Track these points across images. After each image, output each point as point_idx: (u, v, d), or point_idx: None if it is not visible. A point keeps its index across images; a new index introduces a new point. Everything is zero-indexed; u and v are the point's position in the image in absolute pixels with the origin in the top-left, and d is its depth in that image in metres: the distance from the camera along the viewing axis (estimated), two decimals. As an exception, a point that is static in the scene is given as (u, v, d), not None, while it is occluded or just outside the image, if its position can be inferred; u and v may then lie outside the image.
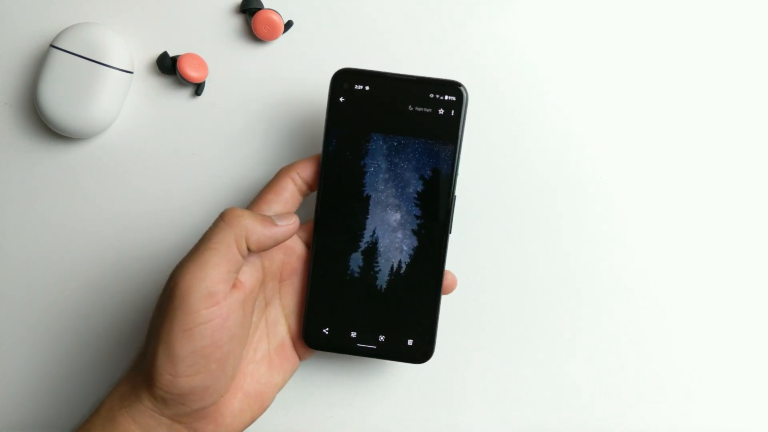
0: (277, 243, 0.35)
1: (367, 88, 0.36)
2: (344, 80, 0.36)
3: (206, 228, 0.39)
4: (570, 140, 0.42)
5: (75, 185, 0.42)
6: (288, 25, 0.42)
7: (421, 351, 0.37)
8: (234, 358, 0.34)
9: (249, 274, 0.34)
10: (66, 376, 0.42)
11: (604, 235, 0.42)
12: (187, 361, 0.31)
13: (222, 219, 0.33)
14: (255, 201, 0.36)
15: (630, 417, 0.42)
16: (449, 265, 0.40)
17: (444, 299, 0.40)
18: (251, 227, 0.33)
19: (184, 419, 0.33)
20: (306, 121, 0.42)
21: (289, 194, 0.36)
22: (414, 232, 0.37)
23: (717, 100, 0.43)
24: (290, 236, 0.35)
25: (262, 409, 0.36)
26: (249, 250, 0.33)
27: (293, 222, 0.35)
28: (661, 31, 0.43)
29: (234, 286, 0.33)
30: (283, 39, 0.42)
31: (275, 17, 0.41)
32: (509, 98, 0.42)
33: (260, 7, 0.41)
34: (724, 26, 0.43)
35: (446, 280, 0.37)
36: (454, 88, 0.36)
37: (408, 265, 0.37)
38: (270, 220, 0.34)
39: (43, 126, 0.42)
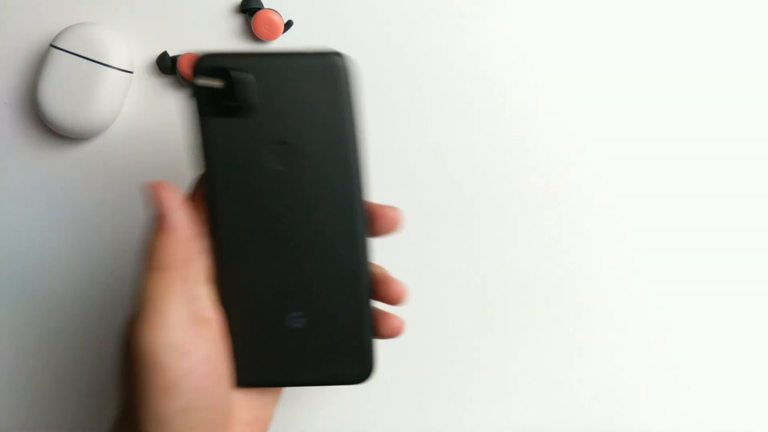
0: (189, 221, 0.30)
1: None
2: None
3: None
4: (570, 140, 0.42)
5: (75, 185, 0.42)
6: (288, 25, 0.42)
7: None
8: (226, 397, 0.31)
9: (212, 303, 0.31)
10: (66, 376, 0.42)
11: (603, 235, 0.42)
12: (177, 419, 0.28)
13: (148, 270, 0.29)
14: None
15: (630, 416, 0.42)
16: (450, 262, 0.40)
17: (444, 298, 0.40)
18: (182, 239, 0.29)
19: None
20: (306, 121, 0.42)
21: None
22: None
23: (716, 100, 0.43)
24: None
25: (265, 429, 0.34)
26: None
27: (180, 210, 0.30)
28: (661, 30, 0.43)
29: (200, 323, 0.30)
30: (283, 39, 0.42)
31: (275, 17, 0.41)
32: (509, 98, 0.42)
33: (260, 7, 0.41)
34: (724, 26, 0.43)
35: (391, 323, 0.33)
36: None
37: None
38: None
39: (43, 126, 0.42)
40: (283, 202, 0.30)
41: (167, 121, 0.42)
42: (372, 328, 0.32)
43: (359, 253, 0.31)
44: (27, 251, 0.42)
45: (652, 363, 0.42)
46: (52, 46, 0.40)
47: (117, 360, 0.31)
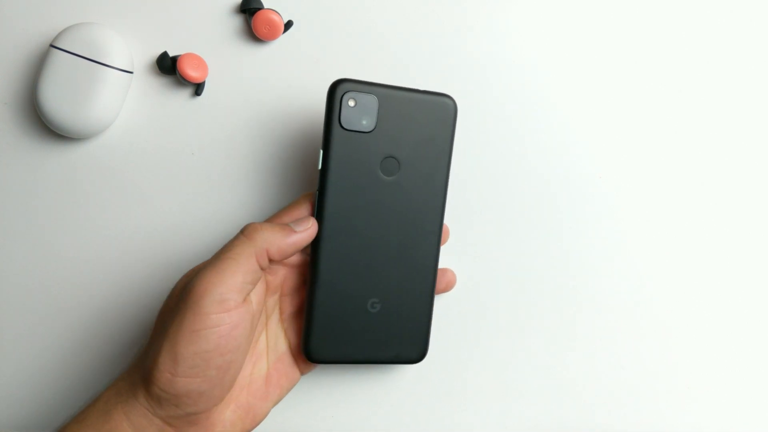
0: (298, 249, 0.36)
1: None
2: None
3: (206, 228, 0.38)
4: (569, 140, 0.43)
5: (75, 185, 0.42)
6: (288, 25, 0.42)
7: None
8: (234, 368, 0.34)
9: (255, 291, 0.35)
10: (65, 375, 0.42)
11: (603, 234, 0.42)
12: (188, 362, 0.32)
13: (242, 233, 0.34)
14: (271, 221, 0.37)
15: (629, 416, 0.42)
16: (450, 264, 0.40)
17: (443, 299, 0.40)
18: (271, 239, 0.34)
19: (175, 422, 0.33)
20: (306, 121, 0.42)
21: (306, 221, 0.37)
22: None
23: (715, 99, 0.43)
24: (310, 240, 0.36)
25: (255, 424, 0.36)
26: (271, 260, 0.34)
27: (311, 226, 0.36)
28: (659, 29, 0.43)
29: (245, 300, 0.34)
30: (283, 39, 0.42)
31: (275, 17, 0.41)
32: (508, 98, 0.42)
33: (260, 7, 0.41)
34: (723, 26, 0.43)
35: (446, 278, 0.39)
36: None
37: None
38: (288, 228, 0.35)
39: (43, 126, 0.42)
40: (380, 205, 0.36)
41: (167, 121, 0.42)
42: (431, 317, 0.38)
43: (434, 256, 0.37)
44: (27, 250, 0.42)
45: (650, 362, 0.43)
46: (52, 46, 0.40)
47: (166, 300, 0.35)
